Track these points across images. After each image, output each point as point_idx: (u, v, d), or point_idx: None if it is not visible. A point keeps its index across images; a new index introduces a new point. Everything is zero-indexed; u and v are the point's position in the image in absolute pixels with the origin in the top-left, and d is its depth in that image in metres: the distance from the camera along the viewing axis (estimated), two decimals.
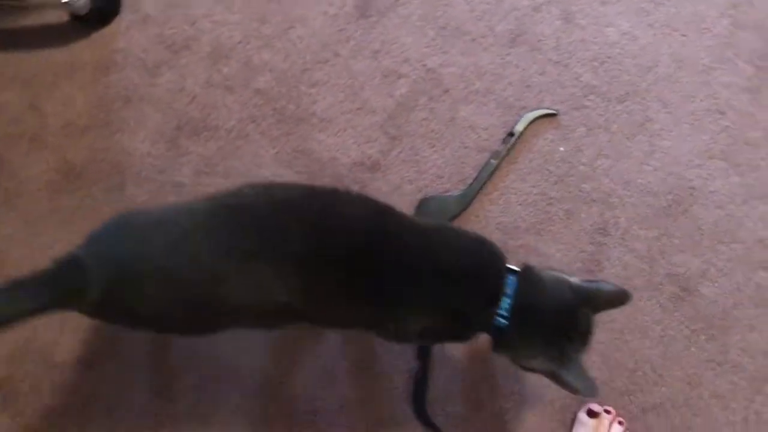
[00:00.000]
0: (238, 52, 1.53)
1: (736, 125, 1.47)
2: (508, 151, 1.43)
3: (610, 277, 1.35)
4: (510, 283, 1.03)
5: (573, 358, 1.02)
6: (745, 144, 1.46)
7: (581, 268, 1.36)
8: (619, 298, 1.06)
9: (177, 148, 1.46)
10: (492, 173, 1.41)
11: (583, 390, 1.02)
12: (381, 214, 1.05)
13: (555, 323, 1.01)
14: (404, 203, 1.39)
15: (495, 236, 1.35)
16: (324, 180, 1.42)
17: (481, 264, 1.05)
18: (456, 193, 1.40)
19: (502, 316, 1.01)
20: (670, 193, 1.41)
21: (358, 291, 1.00)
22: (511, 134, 1.44)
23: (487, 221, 1.39)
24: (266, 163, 1.44)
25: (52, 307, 0.91)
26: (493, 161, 1.42)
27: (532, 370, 1.09)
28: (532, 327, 1.02)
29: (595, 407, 1.23)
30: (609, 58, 1.53)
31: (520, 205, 1.41)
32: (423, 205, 1.40)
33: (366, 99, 1.49)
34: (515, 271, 1.06)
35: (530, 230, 1.39)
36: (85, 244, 0.95)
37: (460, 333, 1.09)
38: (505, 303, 1.01)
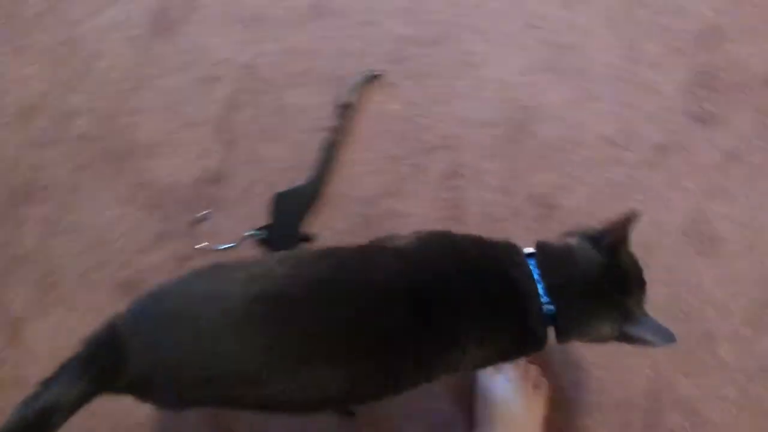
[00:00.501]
0: (46, 103, 1.46)
1: (553, 34, 1.48)
2: (343, 123, 1.41)
3: (473, 216, 1.35)
4: (533, 267, 0.96)
5: (636, 311, 0.94)
6: (566, 50, 1.47)
7: (446, 216, 1.35)
8: (628, 219, 0.97)
9: (15, 218, 1.39)
10: (333, 150, 1.39)
11: (662, 340, 0.92)
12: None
13: (596, 282, 0.94)
14: (258, 205, 1.36)
15: (354, 209, 1.33)
16: (171, 207, 1.38)
17: (505, 267, 0.96)
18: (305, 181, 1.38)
19: (546, 303, 0.94)
20: (508, 120, 1.42)
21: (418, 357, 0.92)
22: (343, 106, 1.42)
23: (342, 198, 1.38)
24: (109, 206, 1.38)
25: (92, 390, 0.84)
26: (331, 138, 1.40)
27: (609, 339, 0.98)
28: (577, 298, 0.95)
29: None
30: (413, 2, 1.51)
31: (370, 173, 1.39)
32: (277, 202, 1.37)
33: (189, 113, 1.44)
34: (532, 253, 0.98)
35: (386, 195, 1.37)
36: (125, 316, 0.88)
37: (532, 342, 0.98)
38: (540, 288, 0.94)
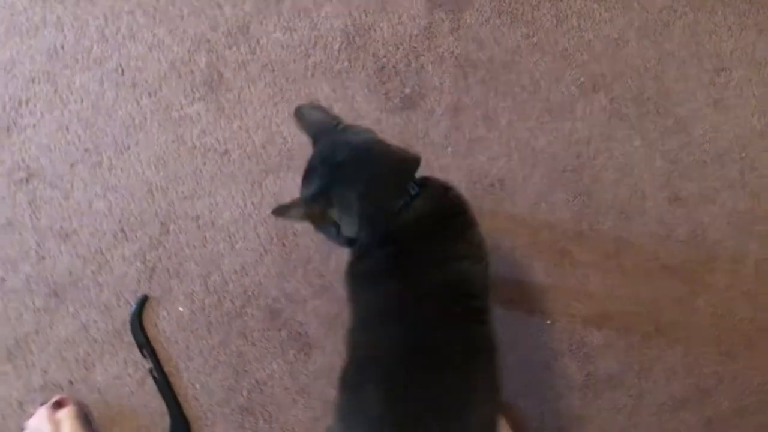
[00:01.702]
0: None
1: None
2: (155, 359, 1.39)
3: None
4: None
5: None
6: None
7: None
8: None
9: None
10: (166, 386, 1.39)
11: None
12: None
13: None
14: None
15: None
16: None
17: None
18: None
19: None
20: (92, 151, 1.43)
21: None
22: (140, 346, 1.39)
23: None
24: None
25: None
26: (157, 378, 1.39)
27: None
28: None
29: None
30: None
31: None
32: None
33: None
34: None
35: None
36: None
37: None
38: None
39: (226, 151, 1.40)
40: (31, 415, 1.35)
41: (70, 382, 1.38)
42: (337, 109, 1.40)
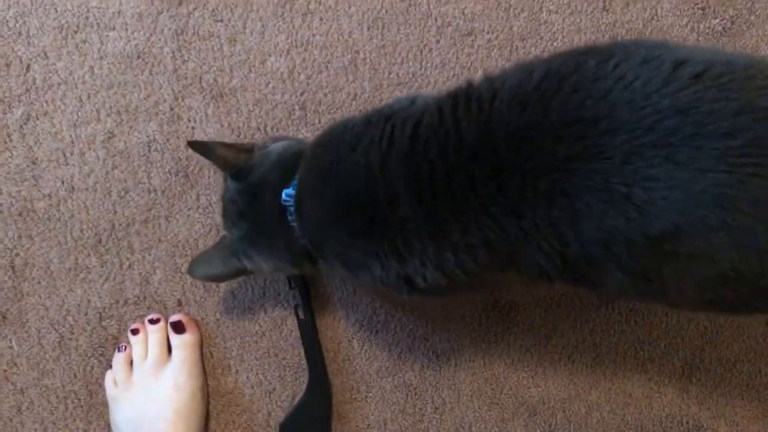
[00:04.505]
0: None
1: None
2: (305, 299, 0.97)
3: None
4: None
5: None
6: None
7: None
8: None
9: None
10: (313, 334, 0.97)
11: None
12: None
13: None
14: None
15: None
16: None
17: None
18: None
19: None
20: None
21: None
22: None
23: None
24: None
25: None
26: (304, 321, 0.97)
27: None
28: None
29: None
30: None
31: None
32: None
33: None
34: None
35: None
36: None
37: None
38: None
39: (471, 32, 0.98)
40: (113, 335, 0.94)
41: (179, 303, 0.96)
42: (634, 10, 0.99)
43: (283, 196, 0.74)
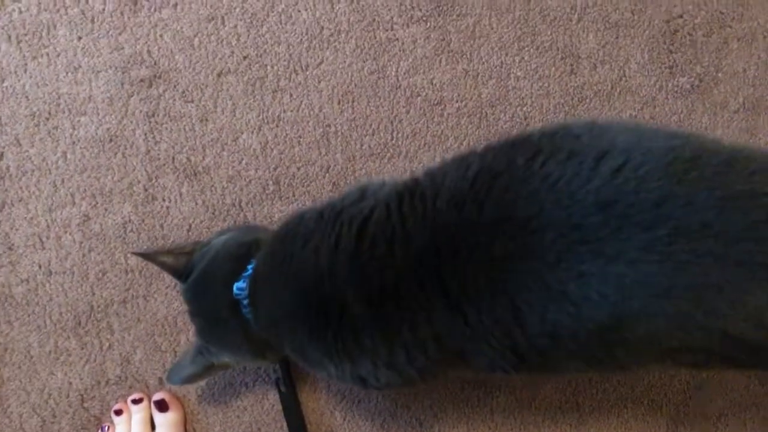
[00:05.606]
0: None
1: None
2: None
3: None
4: None
5: None
6: None
7: None
8: None
9: None
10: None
11: None
12: None
13: None
14: None
15: None
16: None
17: None
18: None
19: None
20: None
21: None
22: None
23: None
24: None
25: None
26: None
27: None
28: None
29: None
30: None
31: None
32: None
33: None
34: None
35: None
36: None
37: None
38: None
39: (440, 101, 0.99)
40: (96, 416, 0.94)
41: (161, 381, 0.96)
42: (602, 72, 1.00)
43: (234, 289, 0.74)
